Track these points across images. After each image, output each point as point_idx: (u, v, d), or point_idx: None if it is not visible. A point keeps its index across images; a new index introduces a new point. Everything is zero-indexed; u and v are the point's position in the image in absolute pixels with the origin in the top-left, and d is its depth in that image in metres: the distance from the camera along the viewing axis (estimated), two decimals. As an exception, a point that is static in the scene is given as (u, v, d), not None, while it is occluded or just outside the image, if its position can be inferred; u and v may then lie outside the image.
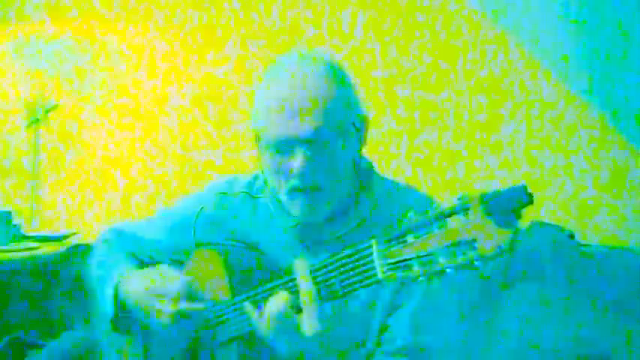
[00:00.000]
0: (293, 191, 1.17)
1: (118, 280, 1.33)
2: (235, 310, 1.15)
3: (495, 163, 2.51)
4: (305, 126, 1.13)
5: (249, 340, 1.14)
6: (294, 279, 1.04)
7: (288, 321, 1.02)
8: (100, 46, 3.11)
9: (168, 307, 1.19)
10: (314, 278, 1.02)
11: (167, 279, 1.23)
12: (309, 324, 1.00)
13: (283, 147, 1.15)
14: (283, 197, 1.20)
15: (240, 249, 1.29)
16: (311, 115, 1.13)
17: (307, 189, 1.16)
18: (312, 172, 1.14)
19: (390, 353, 1.16)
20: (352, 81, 1.23)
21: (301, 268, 1.03)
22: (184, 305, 1.19)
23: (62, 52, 3.10)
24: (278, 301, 1.03)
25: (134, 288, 1.28)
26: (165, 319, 1.20)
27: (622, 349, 1.71)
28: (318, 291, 1.01)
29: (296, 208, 1.19)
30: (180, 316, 1.18)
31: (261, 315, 1.06)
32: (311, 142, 1.13)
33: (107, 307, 1.33)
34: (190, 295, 1.19)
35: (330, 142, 1.14)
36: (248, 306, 1.10)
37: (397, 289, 1.18)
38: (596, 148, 2.35)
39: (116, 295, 1.32)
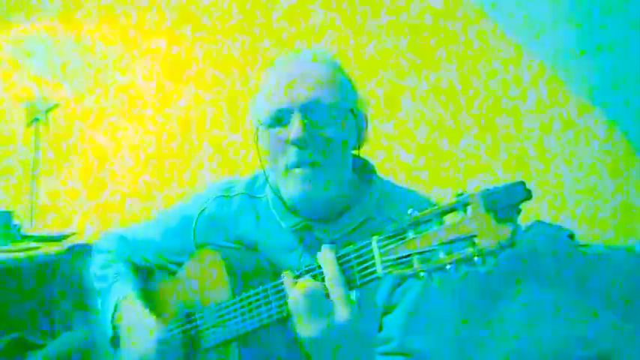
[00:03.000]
0: (290, 167, 1.17)
1: (116, 301, 1.35)
2: (236, 310, 1.15)
3: (495, 163, 2.51)
4: (302, 94, 1.16)
5: (250, 340, 1.14)
6: (317, 267, 1.02)
7: (321, 301, 0.97)
8: (100, 47, 3.11)
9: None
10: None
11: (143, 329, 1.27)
12: (339, 311, 0.96)
13: (280, 117, 1.17)
14: (280, 178, 1.20)
15: (240, 250, 1.29)
16: (308, 86, 1.17)
17: (304, 164, 1.16)
18: (308, 142, 1.15)
19: (385, 353, 1.15)
20: (353, 80, 1.25)
21: (328, 255, 0.99)
22: None
23: (62, 52, 3.11)
24: (312, 281, 1.00)
25: (122, 322, 1.32)
26: None
27: (622, 349, 1.72)
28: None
29: (293, 185, 1.17)
30: None
31: (294, 290, 1.01)
32: (306, 110, 1.16)
33: (106, 328, 1.36)
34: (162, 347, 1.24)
35: (326, 116, 1.16)
36: (288, 274, 1.05)
37: (393, 288, 1.18)
38: (596, 149, 2.35)
39: (115, 318, 1.35)
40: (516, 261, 1.95)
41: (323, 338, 0.98)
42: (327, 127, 1.16)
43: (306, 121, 1.15)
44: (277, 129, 1.18)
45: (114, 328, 1.34)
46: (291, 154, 1.16)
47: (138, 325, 1.29)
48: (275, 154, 1.19)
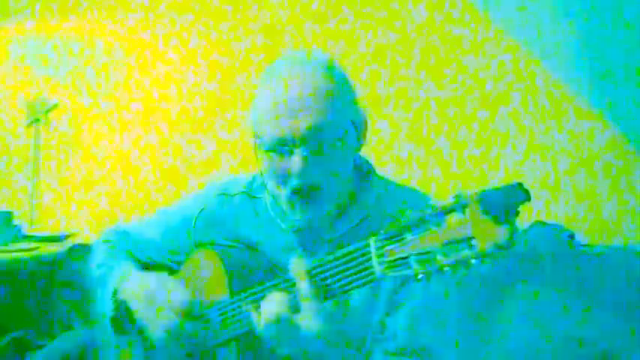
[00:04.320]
0: (292, 195, 1.16)
1: (118, 279, 1.33)
2: (234, 309, 1.15)
3: (495, 163, 2.51)
4: (302, 124, 1.12)
5: (249, 339, 1.14)
6: (291, 278, 1.03)
7: (285, 321, 0.99)
8: (100, 46, 3.11)
9: (165, 321, 1.19)
10: (311, 277, 1.01)
11: (169, 290, 1.22)
12: (307, 323, 0.98)
13: (281, 148, 1.14)
14: (283, 203, 1.19)
15: (239, 249, 1.29)
16: (308, 114, 1.13)
17: (306, 190, 1.15)
18: (310, 171, 1.13)
19: (389, 353, 1.15)
20: (350, 81, 1.23)
21: (297, 267, 1.01)
22: (182, 323, 1.18)
23: (62, 52, 3.11)
24: (274, 301, 1.01)
25: (135, 290, 1.28)
26: (160, 333, 1.20)
27: (622, 349, 1.71)
28: (316, 290, 0.99)
29: (297, 214, 1.17)
30: (175, 332, 1.18)
31: (259, 315, 1.03)
32: (308, 141, 1.13)
33: (107, 306, 1.33)
34: (190, 312, 1.18)
35: (328, 141, 1.14)
36: (247, 306, 1.07)
37: (396, 288, 1.17)
38: (596, 148, 2.35)
39: (116, 295, 1.32)
40: (517, 261, 1.94)
41: (300, 352, 1.00)
42: (329, 150, 1.14)
43: (307, 151, 1.13)
44: (278, 156, 1.16)
45: (117, 308, 1.32)
46: (294, 181, 1.15)
47: (157, 288, 1.24)
48: (276, 180, 1.18)
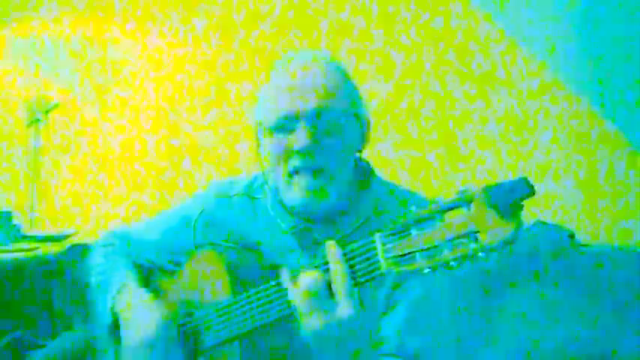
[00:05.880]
0: (294, 173, 1.18)
1: (117, 290, 1.34)
2: (236, 309, 1.15)
3: (495, 163, 2.51)
4: (308, 102, 1.17)
5: (251, 338, 1.14)
6: (325, 262, 1.01)
7: (323, 297, 0.97)
8: (101, 46, 3.11)
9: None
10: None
11: (139, 325, 1.24)
12: (343, 306, 0.96)
13: (286, 124, 1.18)
14: (283, 183, 1.21)
15: (239, 250, 1.29)
16: (314, 94, 1.17)
17: (308, 169, 1.17)
18: (313, 150, 1.16)
19: (384, 354, 1.15)
20: (354, 81, 1.27)
21: (333, 251, 0.99)
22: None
23: (62, 52, 3.11)
24: (314, 276, 0.99)
25: (124, 311, 1.29)
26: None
27: (622, 349, 1.72)
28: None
29: (297, 192, 1.19)
30: None
31: (296, 285, 1.01)
32: (314, 118, 1.16)
33: (105, 315, 1.34)
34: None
35: (331, 123, 1.17)
36: (285, 273, 1.05)
37: (393, 289, 1.18)
38: (595, 148, 2.35)
39: (114, 304, 1.33)
40: (517, 261, 1.94)
41: (326, 333, 0.97)
42: (332, 134, 1.17)
43: (312, 129, 1.16)
44: (281, 135, 1.19)
45: (113, 316, 1.32)
46: (296, 160, 1.17)
47: (140, 308, 1.27)
48: (278, 159, 1.20)
